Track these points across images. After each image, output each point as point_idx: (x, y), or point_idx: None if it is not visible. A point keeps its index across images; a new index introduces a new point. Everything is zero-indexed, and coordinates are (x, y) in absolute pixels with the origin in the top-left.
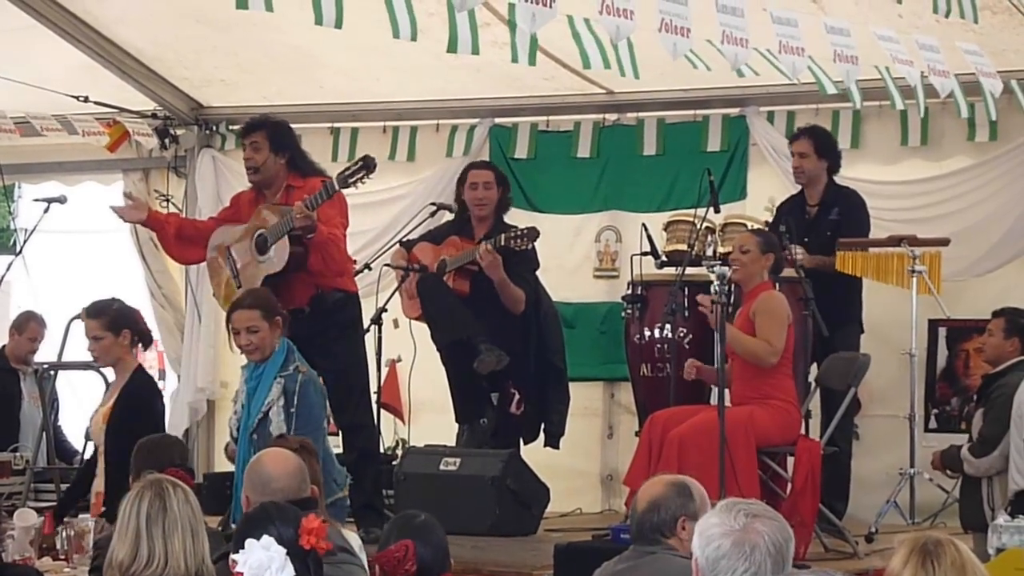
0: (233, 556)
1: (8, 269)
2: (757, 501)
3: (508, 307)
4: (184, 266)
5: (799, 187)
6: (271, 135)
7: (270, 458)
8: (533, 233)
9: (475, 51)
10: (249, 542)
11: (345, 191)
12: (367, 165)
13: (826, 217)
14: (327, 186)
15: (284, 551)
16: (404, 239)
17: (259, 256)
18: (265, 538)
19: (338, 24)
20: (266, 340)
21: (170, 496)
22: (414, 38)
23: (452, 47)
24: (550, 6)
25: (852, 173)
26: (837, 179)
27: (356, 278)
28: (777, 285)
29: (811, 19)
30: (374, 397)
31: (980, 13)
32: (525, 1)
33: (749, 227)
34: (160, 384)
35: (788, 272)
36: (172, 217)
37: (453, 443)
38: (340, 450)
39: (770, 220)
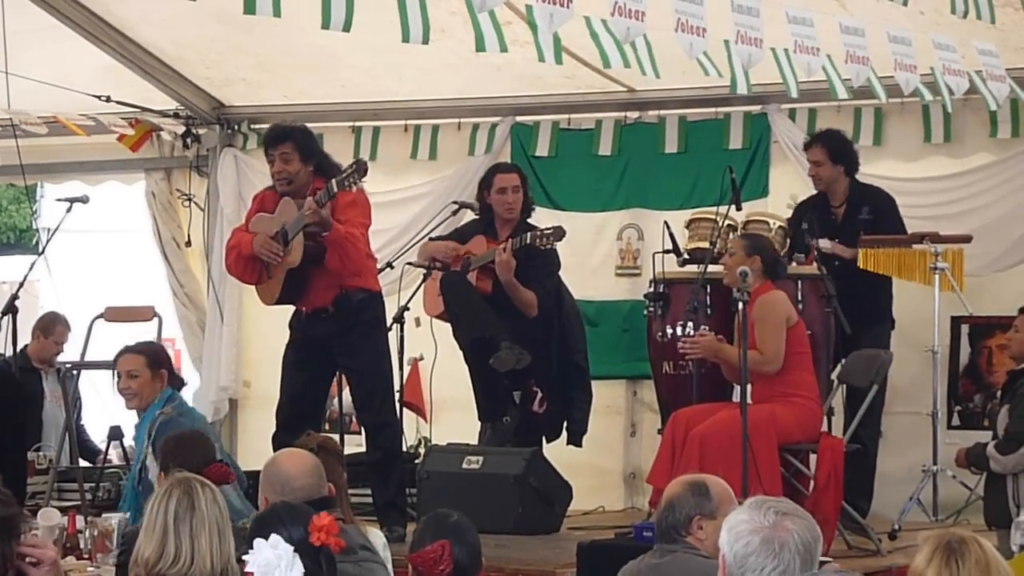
0: (244, 557)
1: (31, 269)
2: (786, 499)
3: (520, 310)
4: (206, 265)
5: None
6: (300, 145)
7: (286, 458)
8: (559, 232)
9: (503, 49)
10: (257, 542)
11: (366, 190)
12: (359, 168)
13: (856, 216)
14: (328, 188)
15: (291, 549)
16: (430, 238)
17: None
18: (273, 537)
19: (346, 28)
20: (145, 388)
21: (199, 495)
22: (425, 41)
23: (480, 46)
24: (567, 6)
25: (874, 170)
26: (860, 176)
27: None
28: (800, 283)
29: (831, 19)
30: (397, 396)
31: (1003, 10)
32: (542, 1)
33: (771, 225)
34: None
35: (810, 270)
36: None
37: (476, 442)
38: (363, 448)
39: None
